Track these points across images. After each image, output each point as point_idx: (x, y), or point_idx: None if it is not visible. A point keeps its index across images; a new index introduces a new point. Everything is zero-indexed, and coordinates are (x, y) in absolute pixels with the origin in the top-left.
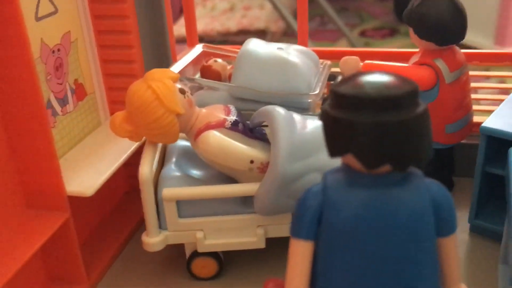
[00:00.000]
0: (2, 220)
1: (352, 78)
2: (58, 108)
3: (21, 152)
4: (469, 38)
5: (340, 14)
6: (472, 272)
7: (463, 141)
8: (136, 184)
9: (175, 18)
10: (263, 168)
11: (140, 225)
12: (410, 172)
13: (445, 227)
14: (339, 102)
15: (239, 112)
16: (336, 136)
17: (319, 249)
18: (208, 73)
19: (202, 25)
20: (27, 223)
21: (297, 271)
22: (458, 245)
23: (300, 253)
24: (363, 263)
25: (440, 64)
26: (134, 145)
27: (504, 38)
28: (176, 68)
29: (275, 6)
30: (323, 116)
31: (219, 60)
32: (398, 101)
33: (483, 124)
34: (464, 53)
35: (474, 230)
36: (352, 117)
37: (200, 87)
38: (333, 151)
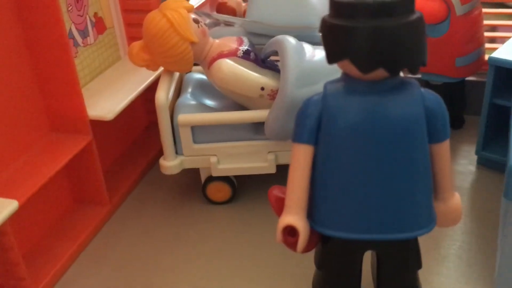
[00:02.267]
0: (29, 142)
1: None
2: (79, 39)
3: (46, 78)
4: None
5: None
6: (477, 202)
7: (474, 78)
8: (156, 119)
9: None
10: (273, 94)
11: (160, 155)
12: (407, 80)
13: (438, 133)
14: (337, 10)
15: (251, 44)
16: (334, 43)
17: (319, 153)
18: (223, 9)
19: None
20: (51, 144)
21: (299, 173)
22: (450, 154)
23: (302, 157)
24: (359, 164)
25: None
26: (152, 76)
27: None
28: (192, 3)
29: None
30: (322, 25)
31: None
32: (391, 8)
33: (491, 55)
34: None
35: (482, 162)
36: (348, 23)
37: (217, 23)
38: (331, 57)
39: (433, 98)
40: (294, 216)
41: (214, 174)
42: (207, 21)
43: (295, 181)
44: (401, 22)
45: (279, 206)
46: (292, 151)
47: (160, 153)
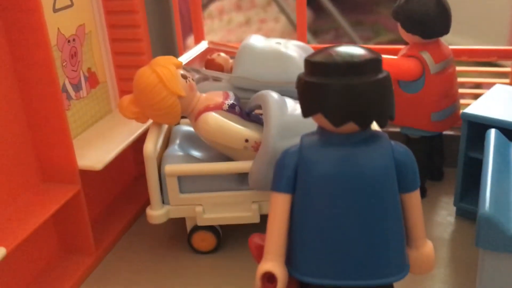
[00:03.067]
0: (19, 191)
1: (323, 49)
2: (72, 93)
3: (38, 130)
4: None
5: (355, 28)
6: (456, 253)
7: (452, 132)
8: (144, 170)
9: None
10: (257, 146)
11: (147, 205)
12: (377, 133)
13: (408, 183)
14: (311, 69)
15: (237, 98)
16: (308, 98)
17: (296, 202)
18: (211, 65)
19: (219, 37)
20: (41, 194)
21: (277, 221)
22: (420, 203)
23: (280, 205)
24: (334, 213)
25: (426, 56)
26: (142, 128)
27: None
28: (181, 60)
29: (289, 20)
30: (298, 82)
31: (222, 54)
32: (360, 68)
33: (464, 111)
34: (453, 49)
35: (460, 213)
36: (321, 81)
37: (205, 78)
38: (306, 111)
39: (402, 150)
40: (273, 263)
41: (200, 223)
42: (196, 76)
43: (273, 229)
44: (369, 80)
45: (259, 254)
46: (271, 200)
47: (147, 203)
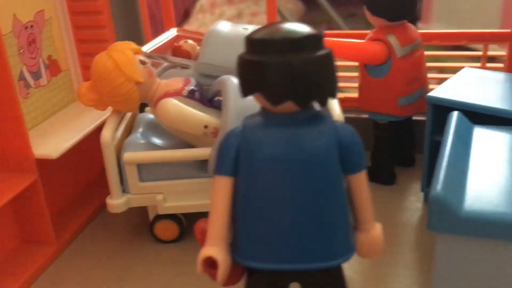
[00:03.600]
0: None
1: (264, 27)
2: (31, 81)
3: None
4: None
5: (347, 20)
6: (421, 238)
7: (422, 118)
8: None
9: (181, 22)
10: (217, 132)
11: None
12: (321, 114)
13: (352, 165)
14: (251, 47)
15: (198, 84)
16: (247, 77)
17: (239, 185)
18: (178, 52)
19: None
20: None
21: (219, 205)
22: (368, 185)
23: (222, 188)
24: (276, 195)
25: (392, 39)
26: (104, 117)
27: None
28: (147, 47)
29: (280, 13)
30: (238, 61)
31: (190, 41)
32: (299, 44)
33: (429, 94)
34: (424, 33)
35: (428, 199)
36: (259, 59)
37: (174, 66)
38: (245, 91)
39: (347, 131)
40: (215, 248)
41: (161, 212)
42: (165, 64)
43: (215, 213)
44: (308, 57)
45: (204, 239)
46: (214, 184)
47: None
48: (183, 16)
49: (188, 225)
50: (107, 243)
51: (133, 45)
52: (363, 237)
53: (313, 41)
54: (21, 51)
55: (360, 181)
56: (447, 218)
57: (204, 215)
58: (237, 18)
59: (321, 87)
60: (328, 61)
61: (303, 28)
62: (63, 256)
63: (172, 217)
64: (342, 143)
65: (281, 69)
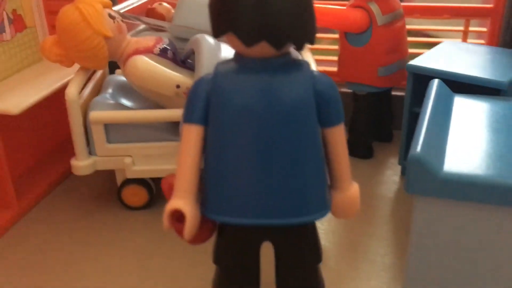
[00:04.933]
0: None
1: None
2: None
3: None
4: None
5: None
6: (397, 210)
7: (401, 94)
8: None
9: None
10: None
11: None
12: (299, 61)
13: (330, 117)
14: None
15: (172, 44)
16: (219, 16)
17: (209, 135)
18: (153, 15)
19: None
20: None
21: (187, 155)
22: (344, 140)
23: (191, 137)
24: (249, 146)
25: (373, 6)
26: (70, 76)
27: None
28: (120, 7)
29: None
30: (209, 1)
31: (165, 4)
32: None
33: (409, 63)
34: (405, 5)
35: (405, 172)
36: None
37: (148, 29)
38: (216, 30)
39: (325, 80)
40: (182, 201)
41: (129, 176)
42: (141, 26)
43: (184, 164)
44: None
45: (172, 194)
46: (183, 132)
47: None
48: None
49: (157, 191)
50: (72, 208)
51: None
52: (339, 196)
53: None
54: None
55: (338, 135)
56: (426, 180)
57: None
58: None
59: (298, 28)
60: (306, 1)
61: None
62: (24, 220)
63: (141, 182)
64: (319, 93)
65: (255, 6)
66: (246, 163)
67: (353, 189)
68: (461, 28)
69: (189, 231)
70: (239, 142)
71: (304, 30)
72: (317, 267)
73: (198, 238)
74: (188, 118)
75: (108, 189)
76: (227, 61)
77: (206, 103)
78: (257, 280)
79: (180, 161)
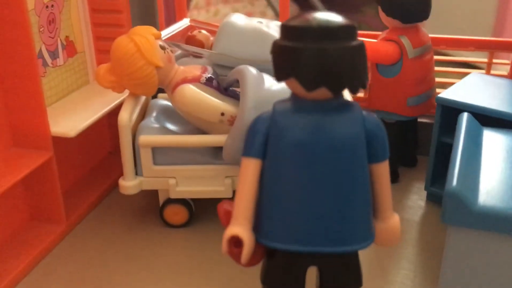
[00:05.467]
0: None
1: (299, 15)
2: (49, 59)
3: (11, 94)
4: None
5: None
6: (424, 235)
7: (427, 120)
8: (119, 144)
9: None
10: (233, 120)
11: None
12: (349, 102)
13: (377, 153)
14: (287, 33)
15: (215, 72)
16: (282, 62)
17: (266, 168)
18: (192, 42)
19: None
20: (12, 158)
21: (246, 186)
22: (388, 174)
23: (250, 170)
24: (302, 179)
25: (404, 40)
26: (118, 99)
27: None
28: (163, 34)
29: (276, 14)
30: (273, 47)
31: (204, 31)
32: (335, 33)
33: (438, 95)
34: (432, 37)
35: (430, 198)
36: (296, 45)
37: (186, 55)
38: (279, 76)
39: (373, 120)
40: (240, 227)
41: (172, 196)
42: (178, 52)
43: (242, 194)
44: (343, 46)
45: (227, 219)
46: (242, 165)
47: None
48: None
49: (196, 211)
50: (115, 224)
51: (153, 30)
52: (381, 226)
53: (348, 31)
54: (41, 29)
55: (383, 170)
56: (461, 212)
57: (213, 201)
58: None
59: (354, 75)
60: (361, 51)
61: (338, 18)
62: (72, 235)
63: (182, 201)
64: (368, 132)
65: (317, 56)
66: (298, 194)
67: (395, 219)
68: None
69: (246, 255)
70: (293, 175)
71: (359, 77)
72: None
73: (251, 261)
74: (248, 152)
75: (148, 206)
76: (284, 101)
77: (264, 140)
78: None
79: (239, 191)
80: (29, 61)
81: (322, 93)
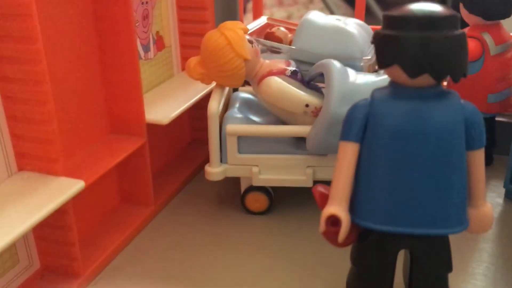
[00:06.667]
0: (90, 141)
1: (401, 6)
2: (142, 53)
3: (112, 84)
4: None
5: None
6: (504, 230)
7: (505, 119)
8: (199, 136)
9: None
10: (317, 112)
11: (201, 168)
12: (448, 90)
13: (474, 141)
14: (390, 23)
15: (298, 66)
16: (385, 51)
17: (364, 152)
18: (271, 38)
19: None
20: (110, 144)
21: (344, 168)
22: (483, 162)
23: (348, 153)
24: (400, 163)
25: (487, 37)
26: (203, 91)
27: None
28: None
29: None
30: (375, 37)
31: (282, 28)
32: (438, 22)
33: None
34: None
35: (509, 195)
36: (401, 34)
37: (264, 50)
38: (382, 63)
39: (472, 109)
40: (337, 207)
41: (255, 183)
42: (259, 46)
43: (340, 176)
44: (446, 35)
45: (322, 201)
46: (339, 148)
47: (201, 166)
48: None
49: (276, 198)
50: (198, 209)
51: (242, 24)
52: (475, 213)
53: (451, 20)
54: (137, 24)
55: (479, 158)
56: None
57: (290, 190)
58: (287, 20)
59: (456, 63)
60: (463, 40)
61: (440, 8)
62: (159, 217)
63: (263, 189)
64: (468, 120)
65: (421, 44)
66: (395, 177)
67: (488, 207)
68: None
69: (343, 233)
70: (391, 159)
71: (461, 65)
72: (447, 276)
73: (345, 241)
74: (346, 136)
75: (230, 194)
76: (383, 89)
77: (363, 125)
78: (391, 283)
79: (336, 173)
80: (131, 53)
81: (424, 80)
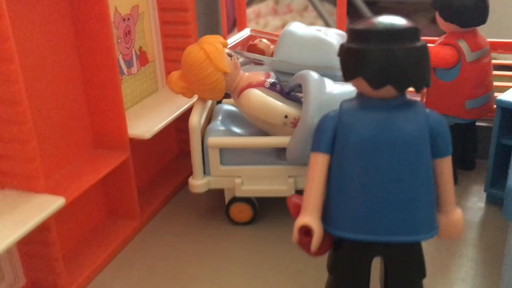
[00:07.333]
0: (74, 157)
1: (365, 20)
2: (125, 68)
3: (94, 100)
4: None
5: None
6: (485, 235)
7: (485, 124)
8: (186, 148)
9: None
10: (296, 122)
11: (187, 181)
12: (413, 100)
13: (440, 149)
14: (354, 36)
15: (278, 77)
16: (350, 63)
17: (334, 162)
18: (253, 50)
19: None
20: (94, 158)
21: (315, 179)
22: (450, 169)
23: (319, 164)
24: (369, 172)
25: (462, 44)
26: (187, 104)
27: None
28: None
29: (326, 24)
30: (340, 50)
31: (264, 40)
32: (399, 34)
33: (498, 97)
34: (490, 41)
35: (490, 199)
36: (363, 47)
37: (247, 62)
38: (347, 75)
39: (436, 117)
40: (310, 217)
41: (238, 194)
42: (240, 59)
43: (311, 187)
44: (407, 47)
45: (296, 211)
46: (311, 159)
47: (188, 178)
48: (232, 25)
49: (260, 209)
50: (184, 220)
51: (221, 38)
52: (444, 219)
53: (412, 32)
54: (119, 40)
55: (446, 165)
56: None
57: (275, 201)
58: (281, 29)
59: (418, 74)
60: (424, 51)
61: (402, 21)
62: (145, 230)
63: (247, 200)
64: (432, 128)
65: (384, 57)
66: (364, 187)
67: (457, 214)
68: None
69: (316, 243)
70: (359, 169)
71: (423, 75)
72: (421, 282)
73: (319, 250)
74: (317, 147)
75: (215, 205)
76: (351, 100)
77: (333, 136)
78: None
79: (308, 184)
80: (111, 70)
81: (388, 91)
